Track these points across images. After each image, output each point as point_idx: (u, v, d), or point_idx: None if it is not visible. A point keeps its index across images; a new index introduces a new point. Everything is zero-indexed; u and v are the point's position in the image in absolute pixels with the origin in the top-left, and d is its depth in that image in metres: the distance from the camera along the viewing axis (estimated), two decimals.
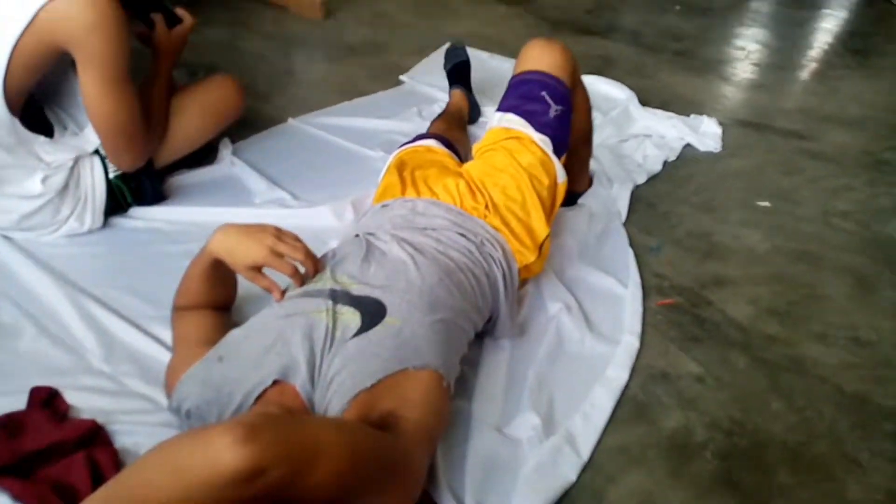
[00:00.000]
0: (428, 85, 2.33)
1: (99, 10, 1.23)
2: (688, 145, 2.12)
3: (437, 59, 2.49)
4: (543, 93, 1.39)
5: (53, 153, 1.39)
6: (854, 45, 3.27)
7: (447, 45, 2.28)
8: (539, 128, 1.38)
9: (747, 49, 3.06)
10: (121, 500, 0.73)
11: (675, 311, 1.48)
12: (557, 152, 1.40)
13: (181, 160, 1.65)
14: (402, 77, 2.40)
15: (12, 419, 1.02)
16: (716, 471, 1.15)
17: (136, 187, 1.53)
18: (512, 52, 2.69)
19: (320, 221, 1.59)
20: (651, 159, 2.00)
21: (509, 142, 1.38)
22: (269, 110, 2.08)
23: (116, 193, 1.50)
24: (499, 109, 1.45)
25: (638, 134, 2.11)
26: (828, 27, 3.52)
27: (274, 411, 0.89)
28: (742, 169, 2.05)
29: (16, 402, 1.07)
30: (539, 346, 1.32)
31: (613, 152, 1.99)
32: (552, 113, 1.39)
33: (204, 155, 1.74)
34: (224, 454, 0.66)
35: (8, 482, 0.93)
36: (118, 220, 1.53)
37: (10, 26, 1.22)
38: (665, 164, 2.00)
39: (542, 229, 1.33)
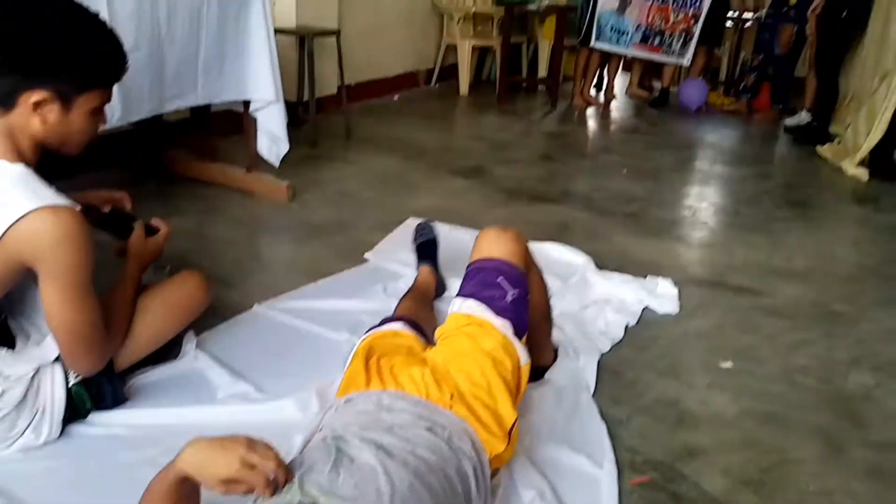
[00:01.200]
0: (392, 261, 2.41)
1: (65, 227, 1.27)
2: (647, 308, 2.18)
3: (399, 234, 2.60)
4: (500, 278, 1.46)
5: (14, 365, 1.38)
6: (792, 197, 3.50)
7: (415, 223, 2.38)
8: (498, 312, 1.43)
9: (694, 208, 3.26)
10: None
11: (651, 489, 1.45)
12: (518, 334, 1.44)
13: (144, 358, 1.65)
14: (366, 255, 2.48)
15: None
16: None
17: (96, 392, 1.51)
18: (472, 223, 2.84)
19: (284, 415, 1.57)
20: (613, 325, 2.04)
21: (470, 327, 1.42)
22: (236, 297, 2.12)
23: (76, 400, 1.48)
24: (458, 295, 1.50)
25: (598, 300, 2.18)
26: (767, 183, 3.78)
27: None
28: (702, 329, 2.11)
29: None
30: None
31: (576, 321, 2.04)
32: (509, 297, 1.45)
33: (168, 349, 1.74)
34: None
35: None
36: (76, 429, 1.49)
37: None
38: (627, 328, 2.05)
39: (509, 414, 1.33)
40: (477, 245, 1.54)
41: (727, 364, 1.93)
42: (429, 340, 1.58)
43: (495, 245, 1.51)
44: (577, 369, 1.80)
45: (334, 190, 3.16)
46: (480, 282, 1.47)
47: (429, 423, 1.25)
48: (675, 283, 2.32)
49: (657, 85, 5.94)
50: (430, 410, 1.28)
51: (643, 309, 2.17)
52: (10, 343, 1.42)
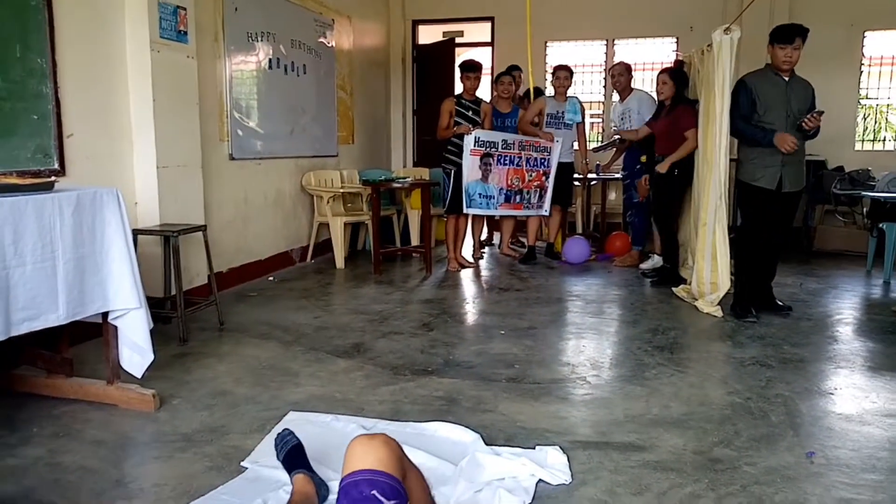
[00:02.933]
0: (273, 466, 2.26)
1: None
2: (541, 481, 2.15)
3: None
4: (374, 491, 1.41)
5: None
6: (659, 342, 3.71)
7: (294, 414, 2.28)
8: None
9: (572, 364, 3.35)
10: None
11: None
12: None
13: None
14: (243, 463, 2.32)
15: None
16: None
17: None
18: (356, 406, 2.77)
19: None
20: None
21: None
22: None
23: None
24: None
25: (491, 480, 2.12)
26: (636, 329, 4.00)
27: None
28: (595, 497, 2.09)
29: None
30: None
31: None
32: None
33: None
34: None
35: None
36: None
37: None
38: None
39: None
40: (347, 458, 1.51)
41: None
42: None
43: (365, 456, 1.48)
44: None
45: (206, 390, 2.99)
46: (355, 499, 1.41)
47: None
48: (564, 450, 2.32)
49: (524, 241, 6.33)
50: None
51: (537, 483, 2.14)
52: None
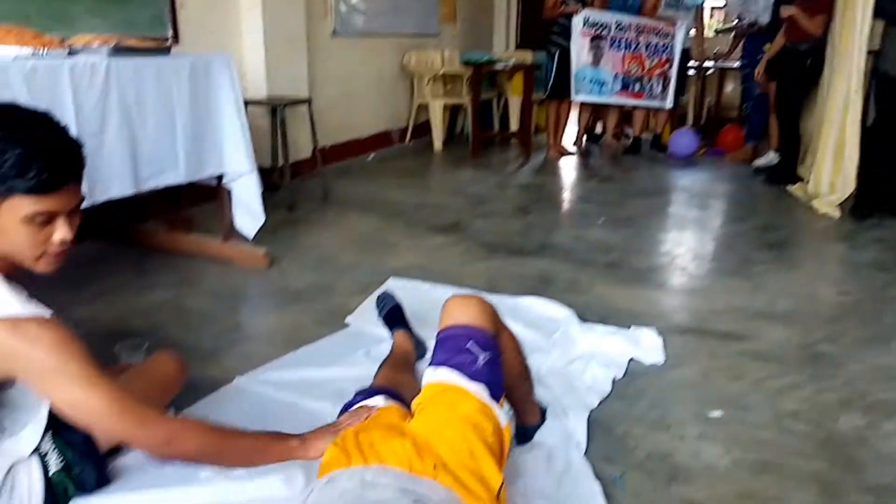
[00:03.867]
0: (374, 324, 2.38)
1: (41, 337, 1.23)
2: (633, 359, 2.17)
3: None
4: (469, 343, 1.45)
5: None
6: (769, 239, 3.55)
7: (394, 280, 2.37)
8: (471, 376, 1.42)
9: (672, 254, 3.28)
10: None
11: None
12: (495, 396, 1.42)
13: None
14: (347, 319, 2.46)
15: None
16: None
17: (79, 476, 1.45)
18: (453, 279, 2.84)
19: (270, 492, 1.52)
20: (600, 380, 2.02)
21: (446, 394, 1.40)
22: (216, 371, 2.07)
23: (57, 490, 1.42)
24: (430, 364, 1.49)
25: (583, 354, 2.16)
26: (743, 225, 3.83)
27: None
28: (689, 379, 2.10)
29: None
30: None
31: (562, 377, 2.01)
32: (481, 360, 1.44)
33: None
34: None
35: None
36: None
37: None
38: (614, 382, 2.03)
39: (495, 478, 1.31)
40: (443, 314, 1.55)
41: (716, 413, 1.91)
42: (410, 408, 1.56)
43: (460, 312, 1.51)
44: (566, 428, 1.77)
45: (313, 254, 3.15)
46: (450, 348, 1.46)
47: (414, 496, 1.21)
48: (659, 333, 2.31)
49: (630, 132, 6.08)
50: (415, 483, 1.25)
51: (629, 361, 2.16)
52: None
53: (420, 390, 1.54)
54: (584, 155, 5.81)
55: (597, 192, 4.56)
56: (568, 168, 5.34)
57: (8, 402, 1.42)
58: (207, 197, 3.18)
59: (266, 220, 2.94)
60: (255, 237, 2.97)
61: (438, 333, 1.52)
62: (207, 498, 1.51)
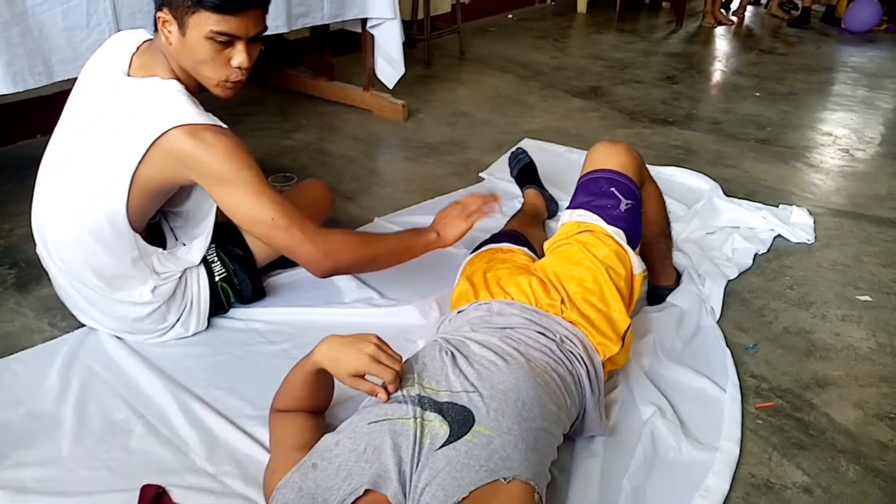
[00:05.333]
0: (507, 181, 2.39)
1: (217, 143, 1.31)
2: (779, 237, 2.07)
3: None
4: (612, 189, 1.43)
5: (166, 265, 1.49)
6: None
7: (529, 141, 2.35)
8: (610, 221, 1.41)
9: (834, 134, 3.01)
10: None
11: (776, 415, 1.42)
12: (631, 244, 1.42)
13: (277, 260, 1.74)
14: (482, 174, 2.48)
15: None
16: None
17: (239, 287, 1.62)
18: (589, 144, 2.74)
19: (407, 319, 1.63)
20: (741, 252, 1.96)
21: (583, 235, 1.40)
22: (356, 210, 2.18)
23: (221, 295, 1.59)
24: (569, 207, 1.48)
25: (725, 226, 2.08)
26: None
27: None
28: (838, 261, 1.98)
29: (127, 498, 1.13)
30: (633, 453, 1.28)
31: (701, 246, 1.96)
32: (622, 207, 1.42)
33: None
34: None
35: None
36: (219, 321, 1.62)
37: (127, 161, 1.32)
38: (756, 256, 1.96)
39: (622, 319, 1.33)
40: (588, 157, 1.52)
41: (865, 297, 1.81)
42: (537, 256, 1.59)
43: (607, 157, 1.47)
44: (700, 294, 1.75)
45: (448, 109, 3.15)
46: (592, 192, 1.44)
47: (539, 327, 1.26)
48: (811, 213, 2.18)
49: (798, 2, 5.43)
50: (540, 316, 1.30)
51: (774, 237, 2.06)
52: (161, 243, 1.54)
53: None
54: (743, 25, 5.28)
55: (754, 64, 4.17)
56: (724, 38, 4.89)
57: (184, 216, 1.58)
58: (351, 46, 3.21)
59: (404, 73, 2.94)
60: (393, 89, 2.99)
61: (581, 177, 1.51)
62: (349, 319, 1.64)
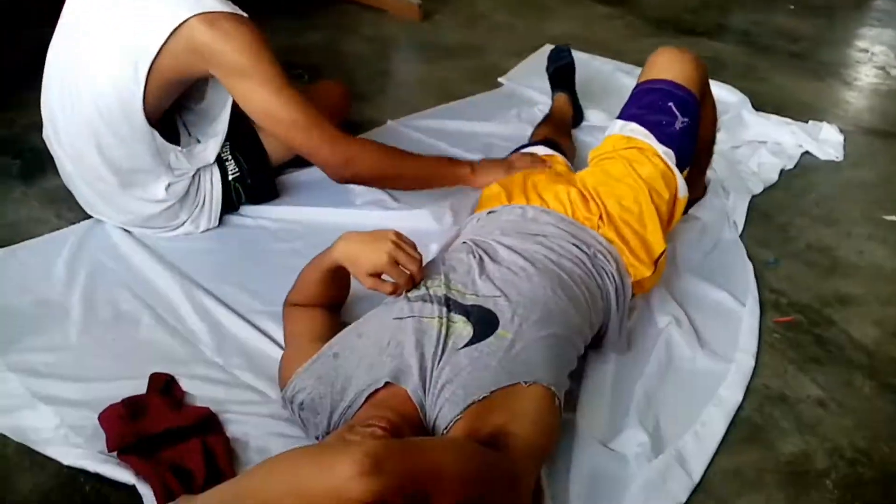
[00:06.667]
0: (527, 87, 2.30)
1: (238, 32, 1.25)
2: (806, 153, 1.99)
3: (535, 60, 2.45)
4: (670, 104, 1.34)
5: (181, 162, 1.45)
6: None
7: (550, 47, 2.24)
8: (663, 140, 1.33)
9: (870, 51, 2.86)
10: None
11: (794, 330, 1.39)
12: (680, 166, 1.35)
13: (289, 160, 1.69)
14: (500, 79, 2.38)
15: (135, 402, 1.07)
16: (838, 502, 1.07)
17: (251, 186, 1.57)
18: (614, 53, 2.64)
19: (420, 224, 1.58)
20: (766, 167, 1.89)
21: (630, 152, 1.33)
22: (369, 111, 2.11)
23: (233, 194, 1.56)
24: (620, 117, 1.40)
25: (752, 140, 2.00)
26: None
27: (388, 416, 0.89)
28: (866, 180, 1.92)
29: (136, 386, 1.12)
30: (647, 361, 1.27)
31: (727, 159, 1.89)
32: (678, 125, 1.34)
33: None
34: (349, 485, 0.68)
35: (131, 460, 0.98)
36: (229, 218, 1.58)
37: (144, 52, 1.26)
38: (782, 172, 1.90)
39: (658, 244, 1.29)
40: (650, 63, 1.42)
41: (892, 218, 1.76)
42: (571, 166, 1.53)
43: (671, 66, 1.38)
44: (725, 207, 1.70)
45: (466, 12, 3.00)
46: (648, 104, 1.36)
47: (574, 239, 1.22)
48: (841, 130, 2.09)
49: None
50: (576, 228, 1.25)
51: (802, 154, 1.99)
52: (174, 139, 1.48)
53: (575, 154, 1.50)
54: None
55: None
56: None
57: (199, 112, 1.52)
58: None
59: None
60: None
61: (638, 84, 1.42)
62: (361, 220, 1.59)
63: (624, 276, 1.24)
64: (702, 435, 1.14)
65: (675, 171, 1.33)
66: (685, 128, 1.34)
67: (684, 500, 1.04)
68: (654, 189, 1.30)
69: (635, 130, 1.34)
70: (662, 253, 1.29)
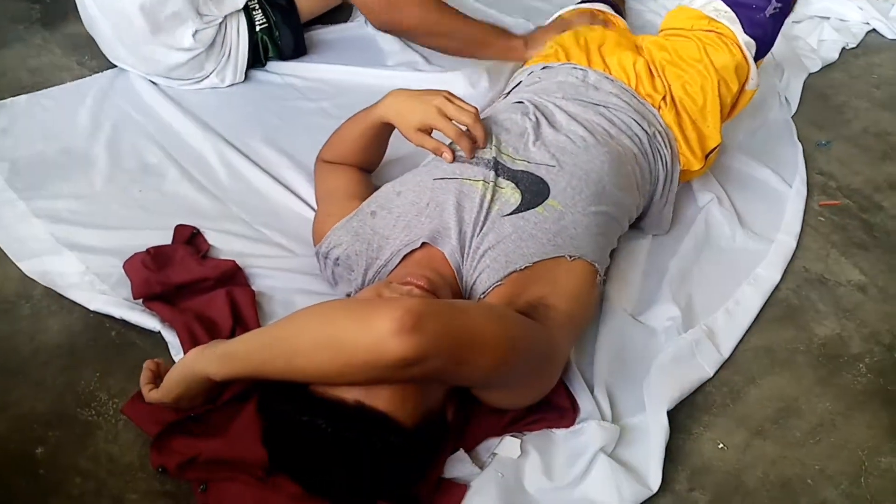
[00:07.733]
0: None
1: None
2: (872, 31, 1.85)
3: None
4: None
5: (210, 7, 1.38)
6: None
7: None
8: (748, 27, 1.22)
9: None
10: (275, 357, 0.75)
11: (840, 214, 1.33)
12: (757, 56, 1.25)
13: (319, 16, 1.61)
14: None
15: (160, 252, 1.06)
16: (870, 385, 1.05)
17: (279, 40, 1.50)
18: None
19: (453, 87, 1.48)
20: (827, 45, 1.76)
21: (708, 35, 1.22)
22: None
23: (259, 47, 1.49)
24: None
25: (814, 15, 1.85)
26: None
27: (428, 275, 0.87)
28: None
29: (161, 237, 1.11)
30: (684, 237, 1.22)
31: (784, 35, 1.74)
32: (769, 11, 1.22)
33: (338, 11, 1.67)
34: (388, 342, 0.66)
35: (157, 307, 0.98)
36: (256, 74, 1.52)
37: None
38: (843, 50, 1.76)
39: (714, 138, 1.21)
40: None
41: None
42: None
43: None
44: (777, 85, 1.59)
45: None
46: None
47: (637, 114, 1.14)
48: None
49: None
50: (639, 103, 1.17)
51: (868, 31, 1.84)
52: None
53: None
54: None
55: None
56: None
57: None
58: None
59: None
60: None
61: None
62: (392, 82, 1.50)
63: (675, 163, 1.17)
64: (734, 312, 1.11)
65: (751, 62, 1.22)
66: (776, 14, 1.23)
67: (711, 374, 1.03)
68: (725, 80, 1.20)
69: (720, 11, 1.22)
70: (716, 147, 1.21)
